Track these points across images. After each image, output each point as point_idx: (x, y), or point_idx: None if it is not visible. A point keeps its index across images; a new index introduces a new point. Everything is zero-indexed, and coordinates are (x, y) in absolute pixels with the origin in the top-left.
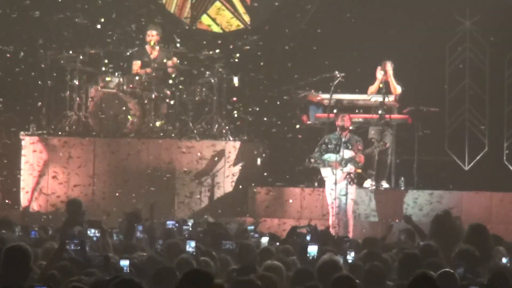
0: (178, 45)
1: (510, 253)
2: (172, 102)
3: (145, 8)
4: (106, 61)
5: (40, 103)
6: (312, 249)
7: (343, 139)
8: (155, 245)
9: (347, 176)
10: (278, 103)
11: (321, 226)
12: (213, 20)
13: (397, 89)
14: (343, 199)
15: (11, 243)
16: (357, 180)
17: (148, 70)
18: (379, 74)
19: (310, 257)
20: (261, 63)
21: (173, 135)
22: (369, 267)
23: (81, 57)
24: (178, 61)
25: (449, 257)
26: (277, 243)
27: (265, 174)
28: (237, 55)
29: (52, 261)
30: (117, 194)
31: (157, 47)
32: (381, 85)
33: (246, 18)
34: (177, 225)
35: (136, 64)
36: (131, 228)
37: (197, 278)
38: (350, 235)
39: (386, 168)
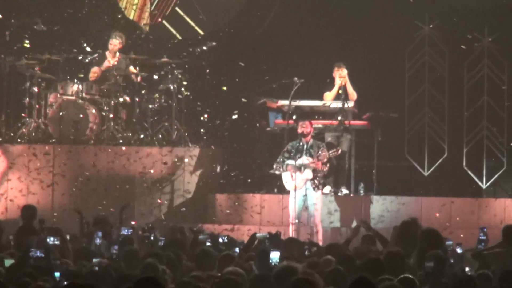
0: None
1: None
2: (131, 109)
3: (105, 14)
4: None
5: None
6: (274, 255)
7: (305, 146)
8: (111, 250)
9: (311, 182)
10: (237, 109)
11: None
12: (172, 26)
13: (354, 94)
14: (307, 205)
15: None
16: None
17: (107, 64)
18: (338, 79)
19: (272, 263)
20: (220, 69)
21: (132, 142)
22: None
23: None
24: (138, 68)
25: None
26: (237, 249)
27: (223, 181)
28: (195, 61)
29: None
30: (76, 200)
31: (118, 54)
32: (340, 91)
33: (204, 24)
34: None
35: (95, 72)
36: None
37: (148, 285)
38: (320, 242)
39: (345, 173)
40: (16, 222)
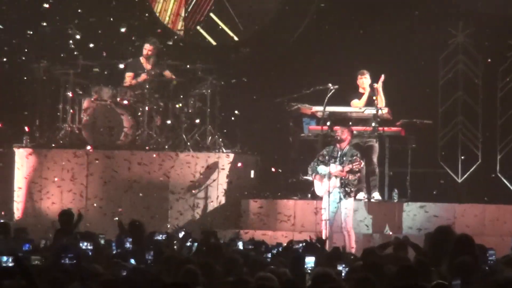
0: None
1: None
2: (165, 114)
3: (138, 20)
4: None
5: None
6: (310, 260)
7: (340, 152)
8: (146, 256)
9: (340, 190)
10: (271, 115)
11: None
12: (206, 32)
13: (382, 102)
14: (339, 211)
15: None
16: (355, 193)
17: (142, 77)
18: (367, 87)
19: (307, 269)
20: (254, 75)
21: (166, 147)
22: (361, 277)
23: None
24: (172, 74)
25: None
26: (269, 254)
27: (257, 186)
28: (229, 67)
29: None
30: (110, 206)
31: (152, 60)
32: (374, 98)
33: (239, 30)
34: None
35: (129, 76)
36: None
37: None
38: (353, 249)
39: (376, 179)
40: (49, 226)
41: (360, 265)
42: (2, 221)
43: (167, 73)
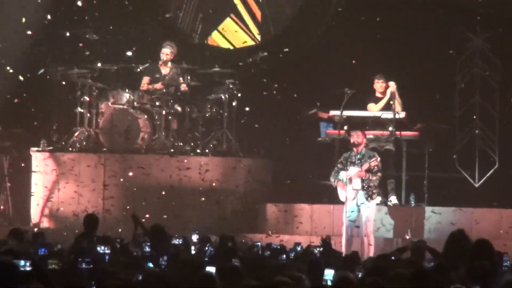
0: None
1: None
2: (182, 119)
3: (156, 24)
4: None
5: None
6: (329, 273)
7: (357, 156)
8: (161, 261)
9: (362, 192)
10: (288, 119)
11: (333, 243)
12: (223, 36)
13: (398, 106)
14: (360, 216)
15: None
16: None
17: (158, 86)
18: (387, 92)
19: (327, 281)
20: (272, 80)
21: (183, 151)
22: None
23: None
24: (189, 78)
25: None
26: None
27: (274, 191)
28: (247, 71)
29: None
30: (127, 209)
31: (169, 64)
32: (391, 102)
33: (256, 34)
34: (183, 241)
35: (147, 80)
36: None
37: None
38: (371, 253)
39: (392, 183)
40: (66, 230)
41: (370, 269)
42: (15, 227)
43: (184, 86)
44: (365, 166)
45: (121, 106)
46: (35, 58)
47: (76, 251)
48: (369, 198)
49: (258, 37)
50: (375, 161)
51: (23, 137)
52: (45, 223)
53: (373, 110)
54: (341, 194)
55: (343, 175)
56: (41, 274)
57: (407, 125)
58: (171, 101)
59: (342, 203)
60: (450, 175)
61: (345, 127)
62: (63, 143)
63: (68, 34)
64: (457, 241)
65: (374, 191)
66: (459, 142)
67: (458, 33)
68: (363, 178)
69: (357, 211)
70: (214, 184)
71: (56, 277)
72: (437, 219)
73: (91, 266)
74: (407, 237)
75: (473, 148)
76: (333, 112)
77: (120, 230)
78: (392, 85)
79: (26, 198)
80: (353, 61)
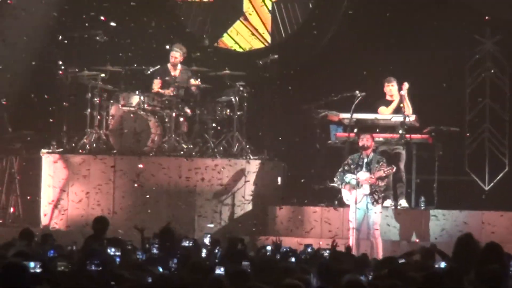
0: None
1: None
2: (192, 121)
3: (166, 26)
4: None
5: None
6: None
7: (365, 160)
8: (170, 263)
9: (369, 197)
10: (298, 122)
11: (342, 246)
12: (233, 39)
13: (409, 109)
14: (367, 219)
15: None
16: (382, 200)
17: (168, 91)
18: (400, 93)
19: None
20: (282, 82)
21: (193, 153)
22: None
23: (102, 75)
24: (199, 80)
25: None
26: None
27: (284, 193)
28: (257, 74)
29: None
30: (137, 212)
31: (179, 66)
32: (401, 105)
33: (267, 37)
34: (192, 243)
35: (157, 83)
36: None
37: None
38: (380, 256)
39: (403, 186)
40: (75, 232)
41: (386, 273)
42: (25, 227)
43: (193, 81)
44: (378, 174)
45: (131, 108)
46: (46, 60)
47: (86, 253)
48: (375, 203)
49: (269, 40)
50: (390, 169)
51: (33, 139)
52: (55, 225)
53: (385, 113)
54: (347, 197)
55: (351, 178)
56: (51, 276)
57: (417, 128)
58: (181, 103)
59: (348, 206)
60: (460, 178)
61: (355, 130)
62: (73, 145)
63: (79, 36)
64: (464, 245)
65: (380, 195)
66: (469, 145)
67: (468, 36)
68: (373, 184)
69: (363, 215)
70: (224, 186)
71: (65, 279)
72: (445, 222)
73: (100, 268)
74: (414, 241)
75: (483, 151)
76: (343, 115)
77: (129, 232)
78: (406, 86)
79: (36, 200)
80: (364, 72)
